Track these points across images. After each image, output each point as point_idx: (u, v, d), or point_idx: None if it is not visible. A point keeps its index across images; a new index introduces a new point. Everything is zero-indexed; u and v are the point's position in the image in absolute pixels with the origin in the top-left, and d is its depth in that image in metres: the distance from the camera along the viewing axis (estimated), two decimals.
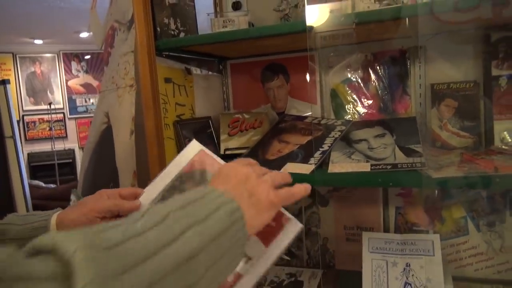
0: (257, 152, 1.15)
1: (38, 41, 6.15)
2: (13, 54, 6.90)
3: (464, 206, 1.18)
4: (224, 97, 1.44)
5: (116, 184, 1.34)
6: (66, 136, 6.65)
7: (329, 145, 1.08)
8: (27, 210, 2.75)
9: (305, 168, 1.00)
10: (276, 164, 1.06)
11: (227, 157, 1.26)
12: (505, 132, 1.09)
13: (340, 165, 1.00)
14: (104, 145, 1.50)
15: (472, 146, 1.13)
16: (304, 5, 1.21)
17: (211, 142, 1.29)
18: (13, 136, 2.71)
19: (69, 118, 6.72)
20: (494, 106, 1.09)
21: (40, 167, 5.94)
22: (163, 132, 1.06)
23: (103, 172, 1.46)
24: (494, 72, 1.09)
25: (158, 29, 1.09)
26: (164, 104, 1.10)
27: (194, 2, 1.31)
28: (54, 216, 0.71)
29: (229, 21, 1.22)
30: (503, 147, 1.03)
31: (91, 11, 1.74)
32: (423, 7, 0.85)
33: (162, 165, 1.06)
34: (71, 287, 0.30)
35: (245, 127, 1.30)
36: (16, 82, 6.52)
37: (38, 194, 3.11)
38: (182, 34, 1.20)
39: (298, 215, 1.36)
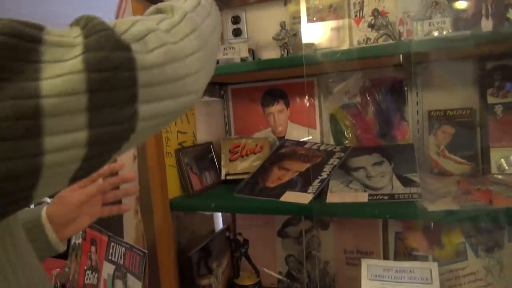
0: (257, 179, 1.17)
1: None
2: None
3: (463, 231, 1.18)
4: (225, 121, 1.47)
5: None
6: None
7: (328, 172, 1.10)
8: None
9: (304, 198, 1.02)
10: (276, 192, 1.08)
11: (228, 183, 1.29)
12: (502, 160, 1.11)
13: (338, 194, 1.02)
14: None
15: (469, 173, 1.15)
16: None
17: (212, 167, 1.31)
18: None
19: None
20: (490, 133, 1.11)
21: None
22: (165, 161, 1.09)
23: None
24: (490, 100, 1.11)
25: None
26: (166, 133, 1.12)
27: None
28: (44, 210, 0.76)
29: (230, 48, 1.25)
30: (499, 177, 1.05)
31: None
32: (418, 44, 0.87)
33: (164, 194, 1.08)
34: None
35: (246, 152, 1.33)
36: None
37: None
38: None
39: (298, 238, 1.38)
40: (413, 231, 1.24)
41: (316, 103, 1.34)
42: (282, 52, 1.25)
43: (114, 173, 0.89)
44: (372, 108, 1.28)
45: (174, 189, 1.16)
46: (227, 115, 1.46)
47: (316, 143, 1.29)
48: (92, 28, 0.36)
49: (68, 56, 0.34)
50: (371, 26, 1.16)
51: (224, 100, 1.46)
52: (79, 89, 0.33)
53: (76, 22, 0.39)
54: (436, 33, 0.94)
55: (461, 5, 0.99)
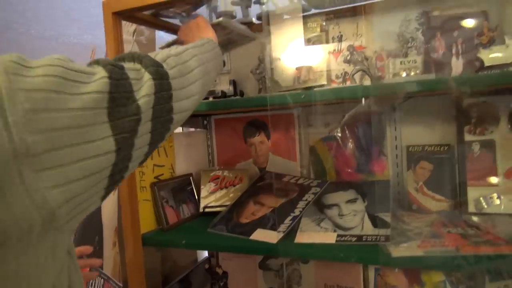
0: (232, 214, 1.17)
1: None
2: None
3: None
4: (208, 151, 1.47)
5: (100, 239, 1.37)
6: None
7: (301, 209, 1.09)
8: None
9: (273, 236, 1.01)
10: (248, 229, 1.07)
11: (206, 215, 1.29)
12: (481, 198, 1.08)
13: (307, 234, 1.00)
14: None
15: (447, 210, 1.12)
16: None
17: (191, 199, 1.31)
18: None
19: None
20: (468, 171, 1.09)
21: None
22: (137, 195, 1.09)
23: (91, 225, 1.50)
24: (467, 137, 1.09)
25: None
26: (141, 168, 1.13)
27: None
28: None
29: None
30: (473, 219, 1.02)
31: None
32: (377, 89, 0.86)
33: (136, 229, 1.08)
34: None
35: (225, 184, 1.33)
36: None
37: None
38: None
39: (279, 271, 1.36)
40: (393, 268, 1.21)
41: (296, 135, 1.33)
42: (260, 86, 1.25)
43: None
44: (352, 142, 1.27)
45: (149, 223, 1.16)
46: (211, 145, 1.47)
47: (294, 176, 1.28)
48: (148, 64, 0.58)
49: (143, 80, 0.56)
50: (347, 61, 1.16)
51: (207, 130, 1.47)
52: (151, 92, 0.56)
53: (132, 59, 0.59)
54: (404, 74, 0.93)
55: (432, 43, 0.99)
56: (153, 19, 1.12)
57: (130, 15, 1.05)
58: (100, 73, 0.49)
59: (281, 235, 1.00)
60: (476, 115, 1.08)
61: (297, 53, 1.25)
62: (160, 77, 0.58)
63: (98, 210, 1.45)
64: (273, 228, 1.05)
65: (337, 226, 1.02)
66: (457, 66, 0.94)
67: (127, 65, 0.56)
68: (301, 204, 1.12)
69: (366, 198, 1.09)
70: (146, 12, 1.08)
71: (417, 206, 1.16)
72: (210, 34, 0.88)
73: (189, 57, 0.69)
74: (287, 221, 1.06)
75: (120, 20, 1.02)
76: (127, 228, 1.07)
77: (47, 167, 0.40)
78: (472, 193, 1.08)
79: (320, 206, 1.11)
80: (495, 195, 1.05)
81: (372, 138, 1.24)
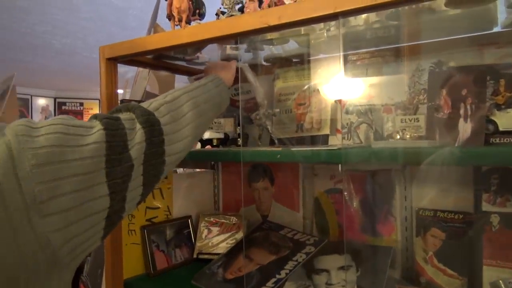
0: (219, 267, 1.11)
1: (120, 91, 6.83)
2: (99, 100, 7.75)
3: None
4: (215, 192, 1.44)
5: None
6: None
7: (288, 271, 1.00)
8: None
9: None
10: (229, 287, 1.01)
11: (200, 261, 1.24)
12: (500, 281, 0.91)
13: None
14: None
15: None
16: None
17: (188, 243, 1.27)
18: None
19: None
20: (484, 247, 0.93)
21: None
22: (122, 239, 1.08)
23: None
24: (485, 206, 0.94)
25: None
26: None
27: None
28: None
29: (215, 122, 1.24)
30: None
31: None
32: (356, 155, 0.77)
33: (118, 274, 1.06)
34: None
35: (222, 231, 1.27)
36: None
37: None
38: None
39: None
40: None
41: (300, 185, 1.25)
42: (260, 132, 1.20)
43: None
44: (358, 198, 1.16)
45: (136, 268, 1.14)
46: (217, 187, 1.43)
47: (293, 230, 1.19)
48: (140, 115, 0.64)
49: (135, 129, 0.62)
50: (349, 112, 1.07)
51: (215, 171, 1.44)
52: (142, 140, 0.61)
53: (127, 109, 0.65)
54: (399, 135, 0.83)
55: (437, 102, 0.87)
56: (152, 61, 1.13)
57: (128, 59, 1.06)
58: (97, 126, 0.56)
59: None
60: (497, 183, 0.93)
61: (302, 99, 1.18)
62: (151, 124, 0.64)
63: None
64: None
65: None
66: (465, 130, 0.81)
67: (124, 115, 0.62)
68: (289, 265, 1.03)
69: (360, 267, 0.98)
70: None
71: (426, 280, 1.02)
72: (228, 76, 0.95)
73: (183, 102, 0.74)
74: (270, 284, 0.97)
75: (115, 65, 1.04)
76: (108, 271, 1.05)
77: (51, 212, 0.47)
78: (489, 273, 0.92)
79: (309, 269, 1.01)
80: None
81: (380, 195, 1.12)
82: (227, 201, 1.42)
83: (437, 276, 1.00)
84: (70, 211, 0.48)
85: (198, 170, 1.44)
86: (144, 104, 0.68)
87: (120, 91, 1.23)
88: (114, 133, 0.57)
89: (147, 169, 0.62)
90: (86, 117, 7.38)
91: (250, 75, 1.11)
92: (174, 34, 0.90)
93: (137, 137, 0.61)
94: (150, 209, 1.19)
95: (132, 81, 1.66)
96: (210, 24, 0.86)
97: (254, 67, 1.22)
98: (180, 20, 0.99)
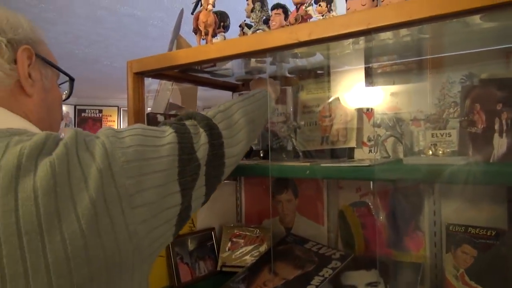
0: (243, 281, 1.10)
1: None
2: (118, 107, 7.86)
3: None
4: (237, 203, 1.43)
5: None
6: None
7: (315, 287, 0.99)
8: None
9: None
10: None
11: (223, 274, 1.23)
12: None
13: None
14: None
15: None
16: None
17: (211, 255, 1.27)
18: None
19: None
20: None
21: None
22: None
23: None
24: None
25: None
26: None
27: None
28: None
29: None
30: None
31: None
32: (385, 172, 0.75)
33: None
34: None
35: (246, 243, 1.26)
36: None
37: None
38: None
39: None
40: None
41: (325, 197, 1.23)
42: (285, 144, 1.19)
43: None
44: (385, 212, 1.14)
45: (160, 281, 1.14)
46: (239, 198, 1.43)
47: (317, 244, 1.17)
48: (200, 120, 0.71)
49: (199, 133, 0.69)
50: (376, 125, 1.05)
51: (237, 182, 1.43)
52: (206, 142, 0.69)
53: (189, 117, 0.73)
54: (430, 152, 0.81)
55: (470, 116, 0.84)
56: (178, 74, 1.13)
57: (156, 73, 1.07)
58: (169, 130, 0.64)
59: None
60: None
61: (327, 111, 1.17)
62: (211, 127, 0.71)
63: None
64: None
65: None
66: (500, 146, 0.79)
67: (187, 122, 0.70)
68: (316, 280, 1.01)
69: (389, 284, 0.96)
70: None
71: None
72: (272, 90, 1.03)
73: (235, 110, 0.81)
74: None
75: (142, 79, 1.05)
76: None
77: (138, 204, 0.53)
78: None
79: (336, 285, 1.00)
80: None
81: (408, 209, 1.10)
82: (249, 213, 1.41)
83: None
84: (153, 204, 0.55)
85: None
86: (202, 112, 0.76)
87: None
88: (183, 135, 0.64)
89: (209, 170, 0.68)
90: (104, 124, 7.46)
91: (277, 86, 1.12)
92: (202, 50, 0.90)
93: (201, 140, 0.68)
94: None
95: (154, 93, 1.68)
96: (238, 40, 0.86)
97: (278, 78, 1.22)
98: (206, 34, 1.00)
